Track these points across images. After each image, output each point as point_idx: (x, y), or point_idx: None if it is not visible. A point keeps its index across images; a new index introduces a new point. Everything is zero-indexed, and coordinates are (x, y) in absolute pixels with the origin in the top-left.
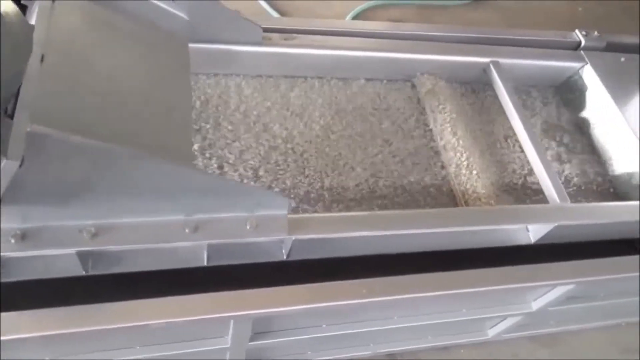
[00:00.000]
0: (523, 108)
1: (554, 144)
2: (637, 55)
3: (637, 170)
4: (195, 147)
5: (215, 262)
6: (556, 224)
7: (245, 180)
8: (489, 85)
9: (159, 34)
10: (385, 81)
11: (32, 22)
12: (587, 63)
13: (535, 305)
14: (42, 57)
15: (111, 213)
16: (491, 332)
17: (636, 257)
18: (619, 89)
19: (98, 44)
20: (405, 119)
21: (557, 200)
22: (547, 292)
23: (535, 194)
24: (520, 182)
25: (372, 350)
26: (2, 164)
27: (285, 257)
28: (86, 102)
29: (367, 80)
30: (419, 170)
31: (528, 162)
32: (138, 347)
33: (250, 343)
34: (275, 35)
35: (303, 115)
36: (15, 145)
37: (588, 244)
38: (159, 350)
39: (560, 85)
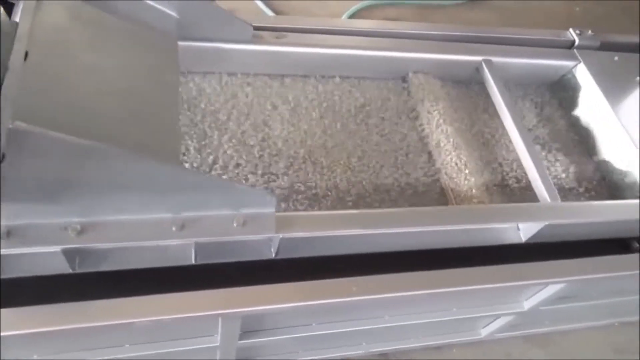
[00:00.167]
0: (515, 106)
1: (545, 142)
2: (631, 54)
3: (630, 169)
4: (190, 147)
5: (204, 261)
6: (546, 223)
7: (234, 179)
8: (481, 84)
9: (147, 32)
10: (377, 80)
11: (17, 20)
12: (580, 62)
13: (527, 305)
14: (26, 54)
15: (97, 210)
16: (484, 332)
17: (627, 256)
18: (612, 87)
19: (84, 42)
20: (397, 117)
21: (548, 199)
22: (539, 291)
23: (526, 193)
24: (511, 180)
25: (364, 349)
26: None
27: (274, 255)
28: (70, 99)
29: (359, 78)
30: (410, 168)
31: (519, 160)
32: (127, 346)
33: (240, 342)
34: (266, 34)
35: (293, 114)
36: None
37: (579, 243)
38: (149, 348)
39: (554, 84)
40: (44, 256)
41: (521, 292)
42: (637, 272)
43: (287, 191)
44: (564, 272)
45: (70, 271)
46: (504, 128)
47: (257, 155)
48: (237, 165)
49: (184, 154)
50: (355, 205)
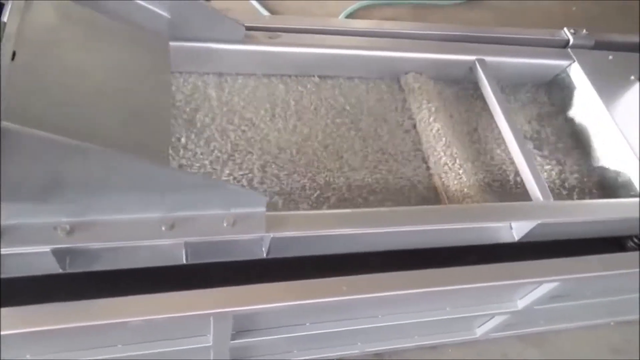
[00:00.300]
0: (510, 106)
1: (539, 141)
2: (625, 54)
3: (623, 168)
4: (180, 147)
5: (195, 261)
6: (539, 222)
7: (227, 180)
8: (475, 83)
9: (138, 32)
10: (370, 79)
11: (5, 19)
12: (574, 61)
13: (521, 304)
14: (14, 53)
15: (86, 210)
16: (479, 331)
17: (621, 254)
18: (606, 86)
19: (74, 42)
20: (391, 117)
21: (540, 198)
22: (532, 290)
23: (519, 192)
24: (504, 180)
25: (359, 349)
26: None
27: (265, 255)
28: (59, 99)
29: (352, 78)
30: (403, 167)
31: (512, 159)
32: (120, 346)
33: (233, 342)
34: (258, 34)
35: (286, 114)
36: None
37: (573, 242)
38: (142, 349)
39: (548, 83)
40: (34, 256)
41: (515, 291)
42: (633, 270)
43: (279, 191)
44: (557, 270)
45: (61, 271)
46: (497, 127)
47: (247, 155)
48: (227, 166)
49: (172, 156)
50: (347, 205)
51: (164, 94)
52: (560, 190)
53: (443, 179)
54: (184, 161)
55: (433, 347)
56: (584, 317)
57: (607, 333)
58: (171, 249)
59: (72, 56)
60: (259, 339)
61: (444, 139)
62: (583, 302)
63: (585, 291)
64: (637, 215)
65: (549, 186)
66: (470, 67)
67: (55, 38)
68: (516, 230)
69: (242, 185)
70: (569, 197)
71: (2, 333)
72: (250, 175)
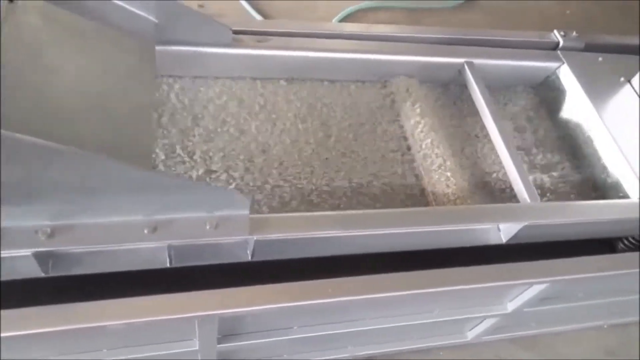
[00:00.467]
0: (499, 108)
1: (528, 143)
2: (615, 55)
3: (613, 170)
4: (163, 151)
5: (179, 264)
6: (526, 223)
7: (213, 183)
8: (464, 86)
9: (124, 36)
10: (359, 82)
11: None
12: (564, 63)
13: (511, 306)
14: None
15: (68, 213)
16: (470, 334)
17: (611, 255)
18: (596, 88)
19: (58, 45)
20: (379, 120)
21: (528, 199)
22: (522, 292)
23: (508, 194)
24: (492, 182)
25: (350, 352)
26: None
27: (250, 257)
28: (40, 102)
29: (341, 81)
30: (391, 170)
31: (501, 162)
32: (105, 351)
33: (219, 345)
34: (246, 37)
35: (273, 118)
36: None
37: (562, 243)
38: (128, 353)
39: (538, 86)
40: (16, 260)
41: (504, 294)
42: (623, 272)
43: (264, 194)
44: (547, 272)
45: (43, 275)
46: (485, 130)
47: (233, 159)
48: (214, 169)
49: (156, 160)
50: (335, 207)
51: (147, 97)
52: (548, 192)
53: (431, 182)
54: (170, 162)
55: (425, 350)
56: (576, 319)
57: (601, 335)
58: (154, 252)
59: (54, 60)
60: (246, 342)
61: (432, 141)
62: (574, 304)
63: (576, 293)
64: (626, 216)
65: (536, 188)
66: (459, 70)
67: (38, 41)
68: (504, 232)
69: (226, 188)
70: (557, 198)
71: None
72: (236, 178)
